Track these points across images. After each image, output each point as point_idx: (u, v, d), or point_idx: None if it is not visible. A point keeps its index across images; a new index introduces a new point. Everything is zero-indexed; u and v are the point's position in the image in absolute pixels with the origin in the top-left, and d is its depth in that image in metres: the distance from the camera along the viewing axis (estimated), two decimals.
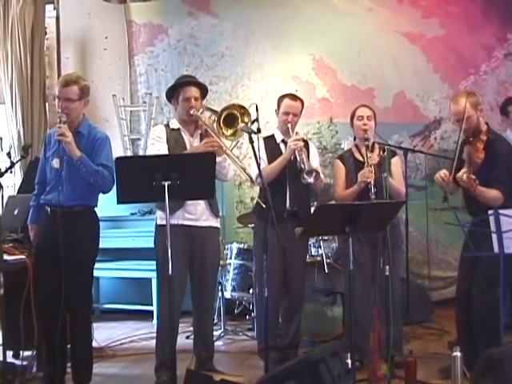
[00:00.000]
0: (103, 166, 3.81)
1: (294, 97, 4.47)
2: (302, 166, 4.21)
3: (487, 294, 3.82)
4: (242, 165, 3.93)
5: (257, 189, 4.97)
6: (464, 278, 4.09)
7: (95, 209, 4.02)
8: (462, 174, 3.79)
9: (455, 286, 5.69)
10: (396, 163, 4.43)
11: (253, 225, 4.88)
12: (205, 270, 4.08)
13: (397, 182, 4.33)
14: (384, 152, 4.25)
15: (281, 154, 4.34)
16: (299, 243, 4.38)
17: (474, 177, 3.75)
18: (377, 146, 4.41)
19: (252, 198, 6.26)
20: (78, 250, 3.82)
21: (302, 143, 4.27)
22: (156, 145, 4.04)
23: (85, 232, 3.89)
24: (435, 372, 4.07)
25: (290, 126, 4.35)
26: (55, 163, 3.82)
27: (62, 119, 3.75)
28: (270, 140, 4.40)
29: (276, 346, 4.37)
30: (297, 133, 4.36)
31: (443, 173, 3.95)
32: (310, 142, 4.60)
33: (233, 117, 3.95)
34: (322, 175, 4.31)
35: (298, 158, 4.23)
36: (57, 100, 3.85)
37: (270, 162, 4.32)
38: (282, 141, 4.43)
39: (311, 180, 4.17)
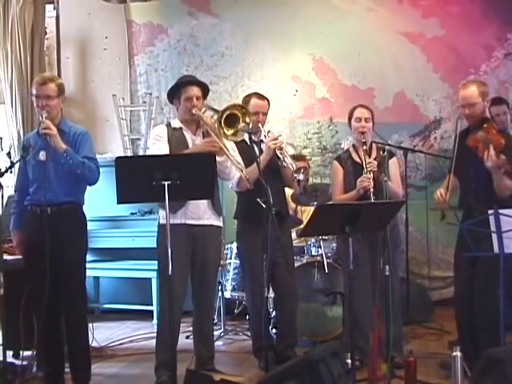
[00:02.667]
0: (88, 159, 3.85)
1: (261, 96, 4.43)
2: (285, 165, 4.17)
3: (489, 294, 3.82)
4: (240, 167, 3.92)
5: None
6: (463, 277, 4.10)
7: (83, 207, 4.03)
8: (492, 154, 3.75)
9: None
10: (394, 164, 4.40)
11: None
12: (206, 270, 4.08)
13: (394, 184, 4.31)
14: (384, 152, 4.25)
15: (254, 154, 4.22)
16: (287, 243, 4.39)
17: (504, 157, 3.74)
18: (374, 146, 4.41)
19: None
20: (70, 249, 3.83)
21: (280, 142, 4.19)
22: (157, 144, 4.04)
23: (75, 230, 3.91)
24: (435, 368, 4.08)
25: (260, 125, 4.30)
26: (41, 156, 3.84)
27: (44, 115, 3.80)
28: (240, 142, 4.19)
29: (272, 345, 4.37)
30: (269, 131, 4.31)
31: (440, 193, 4.01)
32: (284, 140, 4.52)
33: (234, 117, 3.94)
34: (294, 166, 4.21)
35: (281, 157, 4.17)
36: (35, 99, 3.89)
37: (245, 163, 4.19)
38: (253, 141, 4.38)
39: (301, 176, 4.15)
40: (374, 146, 4.39)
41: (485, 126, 3.92)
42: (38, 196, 3.84)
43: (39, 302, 3.81)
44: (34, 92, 3.89)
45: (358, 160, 4.33)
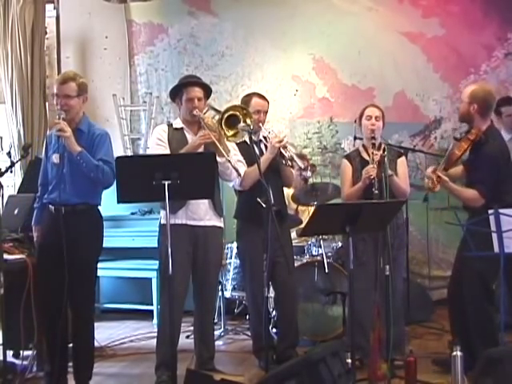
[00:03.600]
0: (103, 162, 3.81)
1: (261, 96, 4.45)
2: (291, 163, 4.16)
3: (475, 294, 3.91)
4: (236, 166, 3.92)
5: None
6: (453, 277, 4.21)
7: (99, 207, 4.03)
8: (432, 169, 4.01)
9: None
10: (402, 164, 4.44)
11: None
12: (208, 270, 4.08)
13: (402, 182, 4.33)
14: (384, 151, 4.25)
15: (255, 154, 4.17)
16: (287, 243, 4.40)
17: (440, 174, 3.93)
18: (383, 146, 4.41)
19: None
20: (82, 248, 3.83)
21: (284, 141, 4.19)
22: (157, 148, 4.03)
23: (88, 230, 3.91)
24: (435, 368, 4.11)
25: (261, 124, 4.31)
26: (55, 158, 3.84)
27: (61, 116, 3.78)
28: (241, 142, 4.20)
29: (272, 345, 4.37)
30: (271, 131, 4.31)
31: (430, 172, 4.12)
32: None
33: (235, 118, 3.95)
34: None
35: (287, 155, 4.17)
36: (55, 98, 3.87)
37: (247, 164, 4.24)
38: (254, 141, 4.36)
39: (309, 174, 4.16)
40: (382, 146, 4.38)
41: (458, 136, 4.15)
42: (53, 195, 3.86)
43: (47, 301, 3.85)
44: (55, 91, 3.86)
45: (366, 158, 4.34)
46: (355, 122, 4.95)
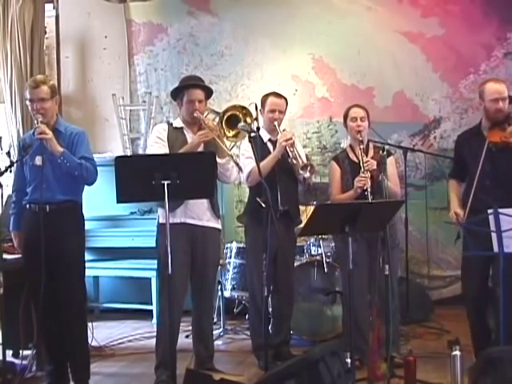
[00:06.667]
0: (85, 159, 3.86)
1: (278, 95, 4.51)
2: (295, 162, 4.19)
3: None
4: (236, 160, 3.94)
5: None
6: (475, 278, 4.06)
7: (81, 205, 4.02)
8: None
9: (455, 285, 5.68)
10: (391, 163, 4.40)
11: None
12: (206, 270, 4.08)
13: (392, 183, 4.31)
14: (383, 151, 4.25)
15: (269, 153, 4.31)
16: (290, 243, 4.42)
17: None
18: (371, 145, 4.41)
19: None
20: (68, 247, 3.83)
21: (292, 140, 4.24)
22: (155, 147, 4.04)
23: (73, 229, 3.92)
24: (435, 368, 4.11)
25: (276, 123, 4.36)
26: (37, 161, 3.85)
27: (39, 119, 3.81)
28: (256, 140, 4.16)
29: (270, 343, 4.39)
30: (284, 130, 4.36)
31: (457, 213, 4.00)
32: (296, 140, 4.50)
33: (235, 118, 3.97)
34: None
35: (291, 155, 4.21)
36: (29, 103, 3.89)
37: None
38: (269, 140, 4.42)
39: (307, 174, 4.17)
40: (370, 145, 4.40)
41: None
42: (35, 195, 3.85)
43: (39, 300, 3.81)
44: (28, 96, 3.89)
45: (355, 159, 4.34)
46: None
